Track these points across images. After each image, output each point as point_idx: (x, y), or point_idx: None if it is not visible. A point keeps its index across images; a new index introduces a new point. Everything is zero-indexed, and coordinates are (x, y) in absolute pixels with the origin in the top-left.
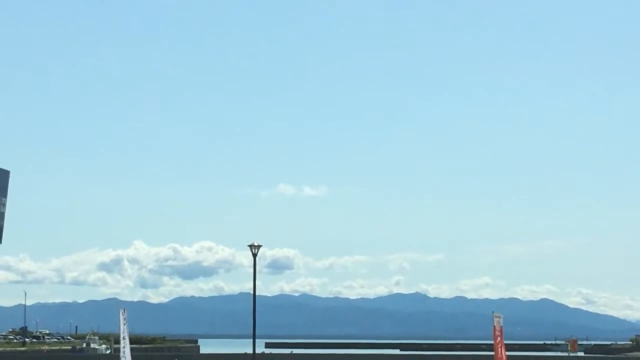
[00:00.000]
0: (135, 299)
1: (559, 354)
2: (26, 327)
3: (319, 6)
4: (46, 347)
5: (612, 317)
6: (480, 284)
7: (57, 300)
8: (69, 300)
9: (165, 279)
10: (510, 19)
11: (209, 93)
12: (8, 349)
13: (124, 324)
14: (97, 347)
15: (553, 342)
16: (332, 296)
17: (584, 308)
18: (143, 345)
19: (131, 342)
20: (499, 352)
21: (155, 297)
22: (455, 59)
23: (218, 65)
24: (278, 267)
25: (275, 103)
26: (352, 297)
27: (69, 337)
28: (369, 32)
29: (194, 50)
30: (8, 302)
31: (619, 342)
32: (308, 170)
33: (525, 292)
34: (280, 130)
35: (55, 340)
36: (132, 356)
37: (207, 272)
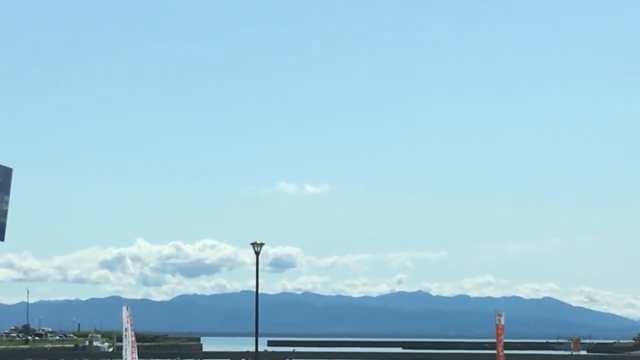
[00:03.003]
0: (138, 297)
1: (561, 352)
2: (29, 324)
3: (319, 4)
4: (49, 345)
5: (614, 315)
6: (482, 283)
7: (60, 298)
8: (71, 298)
9: (168, 277)
10: (510, 18)
11: (210, 91)
12: (10, 346)
13: (128, 322)
14: (99, 345)
15: (556, 340)
16: (334, 294)
17: (586, 306)
18: (145, 344)
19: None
20: (500, 349)
21: (157, 295)
22: (457, 58)
23: (219, 64)
24: (280, 265)
25: (276, 101)
26: (354, 296)
27: (72, 335)
28: (370, 30)
29: (194, 50)
30: (11, 299)
31: (621, 341)
32: (309, 168)
33: (528, 290)
34: (281, 128)
35: (57, 338)
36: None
37: (209, 270)
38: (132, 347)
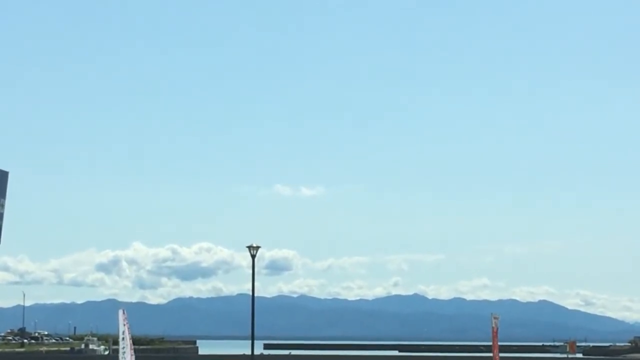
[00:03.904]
0: (134, 300)
1: (557, 355)
2: (24, 328)
3: (317, 5)
4: (44, 348)
5: (610, 318)
6: (478, 285)
7: (56, 301)
8: (67, 301)
9: (164, 280)
10: (510, 18)
11: (205, 93)
12: (7, 350)
13: (125, 325)
14: (95, 348)
15: (551, 343)
16: (330, 297)
17: (582, 309)
18: (141, 347)
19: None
20: (496, 352)
21: (153, 298)
22: (456, 58)
23: (216, 65)
24: (276, 268)
25: (271, 103)
26: (350, 298)
27: (68, 338)
28: (367, 31)
29: (192, 50)
30: (6, 302)
31: (617, 344)
32: (305, 170)
33: (524, 293)
34: (277, 131)
35: (53, 341)
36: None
37: (205, 273)
38: (129, 350)
